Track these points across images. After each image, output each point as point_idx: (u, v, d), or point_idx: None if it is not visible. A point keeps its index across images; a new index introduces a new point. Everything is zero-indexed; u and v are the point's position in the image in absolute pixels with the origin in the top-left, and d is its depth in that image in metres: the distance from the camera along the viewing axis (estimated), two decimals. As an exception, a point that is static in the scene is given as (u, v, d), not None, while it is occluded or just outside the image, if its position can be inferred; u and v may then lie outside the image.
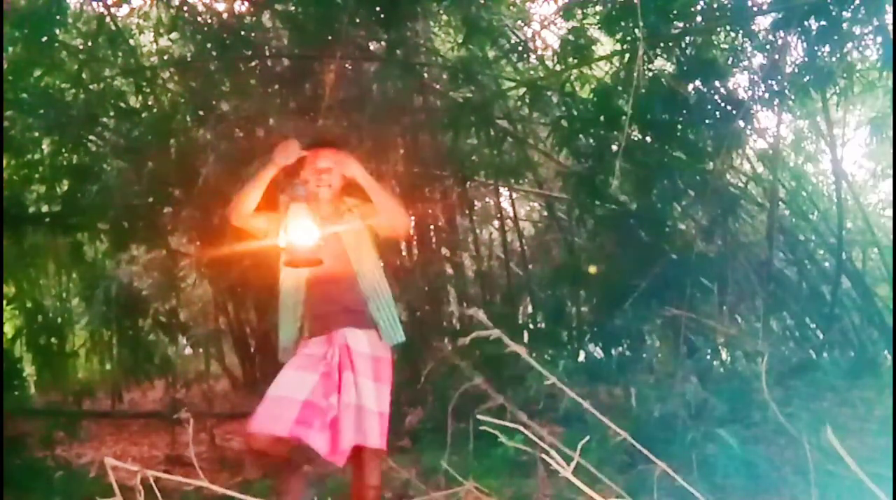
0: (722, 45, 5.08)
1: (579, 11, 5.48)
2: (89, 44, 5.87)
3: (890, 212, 8.18)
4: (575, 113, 5.34)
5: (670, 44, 4.90)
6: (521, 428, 1.47)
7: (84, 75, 5.66)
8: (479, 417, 1.48)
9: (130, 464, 1.15)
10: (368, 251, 2.72)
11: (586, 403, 1.55)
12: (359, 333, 2.58)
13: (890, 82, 5.10)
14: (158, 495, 1.20)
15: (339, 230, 2.66)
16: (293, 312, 2.67)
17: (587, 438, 1.44)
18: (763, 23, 4.89)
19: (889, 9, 4.24)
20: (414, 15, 5.32)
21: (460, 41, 5.77)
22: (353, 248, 2.67)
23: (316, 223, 2.58)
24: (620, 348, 5.49)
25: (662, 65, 5.15)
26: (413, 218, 6.46)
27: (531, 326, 6.55)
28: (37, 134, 5.79)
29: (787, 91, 4.78)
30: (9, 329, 7.06)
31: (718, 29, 5.02)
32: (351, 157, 2.68)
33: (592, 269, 5.57)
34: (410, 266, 6.03)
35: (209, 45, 5.55)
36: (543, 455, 1.29)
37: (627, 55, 4.87)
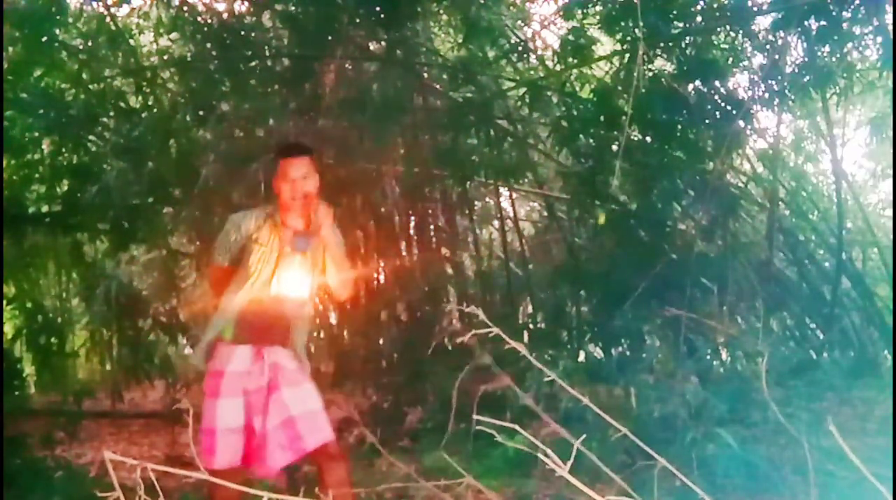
0: (722, 45, 5.09)
1: (579, 11, 5.48)
2: (89, 44, 5.86)
3: (890, 212, 8.19)
4: (575, 113, 5.35)
5: (670, 44, 4.90)
6: (519, 428, 1.47)
7: (84, 75, 5.67)
8: (477, 417, 1.48)
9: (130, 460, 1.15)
10: (305, 279, 2.74)
11: (585, 399, 1.55)
12: (284, 352, 2.67)
13: (890, 82, 5.11)
14: (160, 492, 1.20)
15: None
16: (229, 312, 2.69)
17: (584, 436, 1.43)
18: (763, 23, 4.90)
19: (889, 9, 4.25)
20: (414, 15, 5.32)
21: (460, 41, 5.78)
22: (295, 274, 2.71)
23: (307, 274, 2.68)
24: (620, 348, 5.49)
25: (662, 65, 5.16)
26: (413, 218, 6.48)
27: (531, 326, 6.54)
28: (37, 134, 5.77)
29: (787, 91, 4.78)
30: (9, 329, 7.04)
31: (718, 29, 5.02)
32: (323, 206, 2.65)
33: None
34: (410, 266, 6.03)
35: (209, 45, 5.56)
36: (541, 455, 1.29)
37: (627, 55, 4.88)
